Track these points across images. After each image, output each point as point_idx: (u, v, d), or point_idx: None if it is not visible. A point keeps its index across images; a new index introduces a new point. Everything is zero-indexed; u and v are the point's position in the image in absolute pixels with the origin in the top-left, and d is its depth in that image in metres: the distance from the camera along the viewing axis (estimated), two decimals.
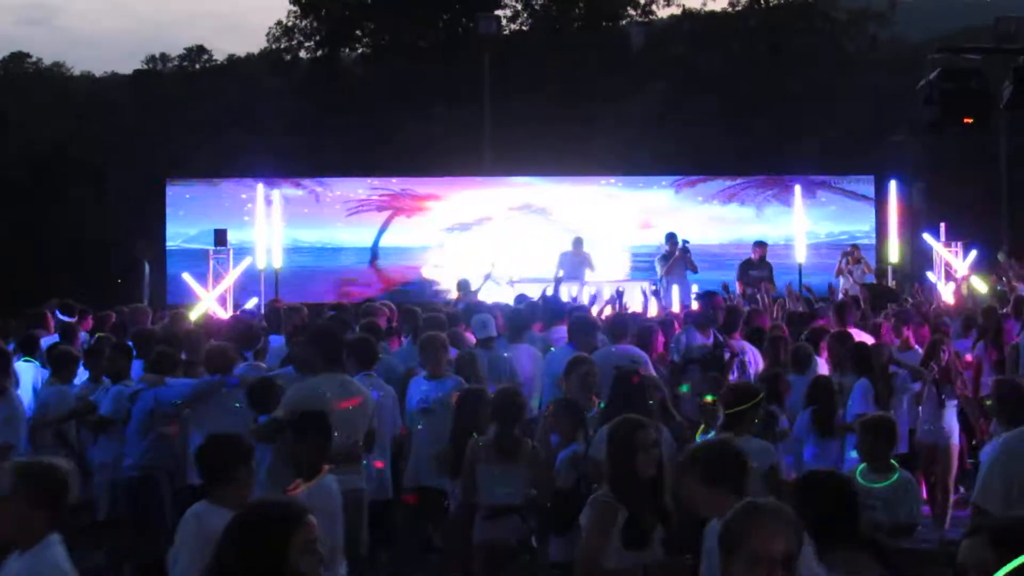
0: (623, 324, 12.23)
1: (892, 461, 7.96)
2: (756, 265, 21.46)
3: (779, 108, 37.83)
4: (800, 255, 22.36)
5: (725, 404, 8.43)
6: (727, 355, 11.94)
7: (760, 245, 21.96)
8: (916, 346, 12.78)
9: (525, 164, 27.78)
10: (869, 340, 12.35)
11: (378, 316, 13.31)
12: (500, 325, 12.55)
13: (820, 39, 41.67)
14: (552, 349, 12.43)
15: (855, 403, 10.77)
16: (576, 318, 12.31)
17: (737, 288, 19.78)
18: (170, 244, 25.65)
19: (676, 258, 21.18)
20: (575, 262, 21.67)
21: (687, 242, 21.59)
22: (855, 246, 22.74)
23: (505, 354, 11.70)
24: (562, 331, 12.61)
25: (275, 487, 7.61)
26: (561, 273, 20.71)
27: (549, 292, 15.98)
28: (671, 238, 21.76)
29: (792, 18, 42.23)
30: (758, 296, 17.31)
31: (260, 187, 23.20)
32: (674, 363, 12.26)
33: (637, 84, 39.11)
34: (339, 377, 8.62)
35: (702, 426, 9.28)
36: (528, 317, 13.16)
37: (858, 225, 26.59)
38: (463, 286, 18.56)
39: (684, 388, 11.87)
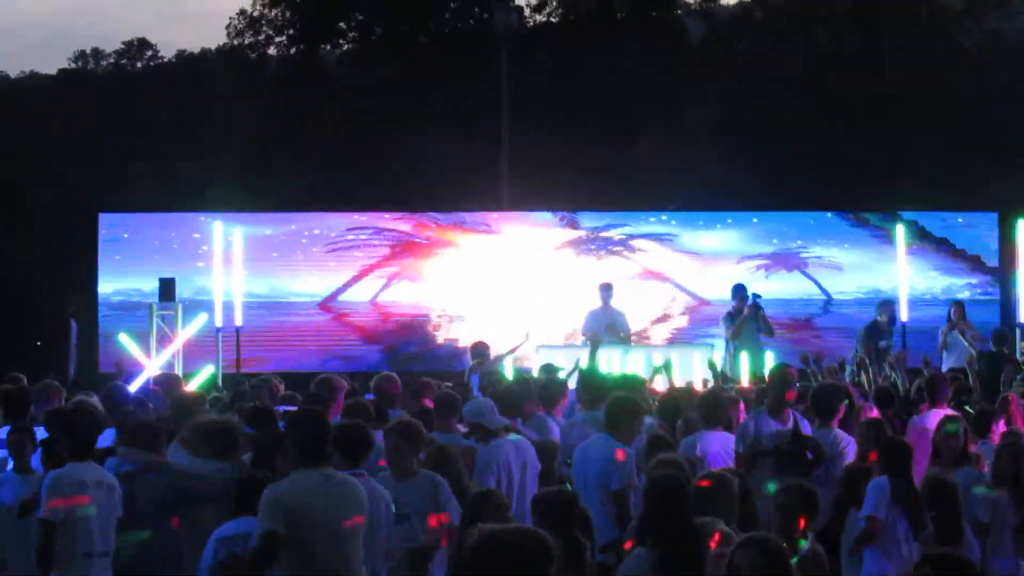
0: (718, 404, 12.42)
1: None
2: (887, 332, 21.41)
3: (875, 123, 37.78)
4: (903, 312, 22.38)
5: None
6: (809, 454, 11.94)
7: (888, 305, 21.97)
8: None
9: (553, 195, 27.75)
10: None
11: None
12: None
13: (927, 34, 41.64)
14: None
15: (866, 503, 10.64)
16: (618, 398, 12.31)
17: (857, 359, 19.79)
18: (103, 295, 25.54)
19: (745, 317, 21.18)
20: (603, 321, 21.62)
21: (759, 297, 21.60)
22: (957, 304, 22.64)
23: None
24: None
25: None
26: (587, 337, 20.79)
27: (584, 363, 16.04)
28: (739, 291, 21.77)
29: (892, 6, 42.23)
30: (893, 375, 17.33)
31: (218, 225, 23.30)
32: (739, 455, 12.26)
33: (695, 91, 39.18)
34: (326, 473, 8.62)
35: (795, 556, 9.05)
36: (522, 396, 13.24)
37: (976, 275, 26.60)
38: (479, 352, 18.54)
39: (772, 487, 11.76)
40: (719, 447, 12.12)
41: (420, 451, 10.42)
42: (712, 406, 12.60)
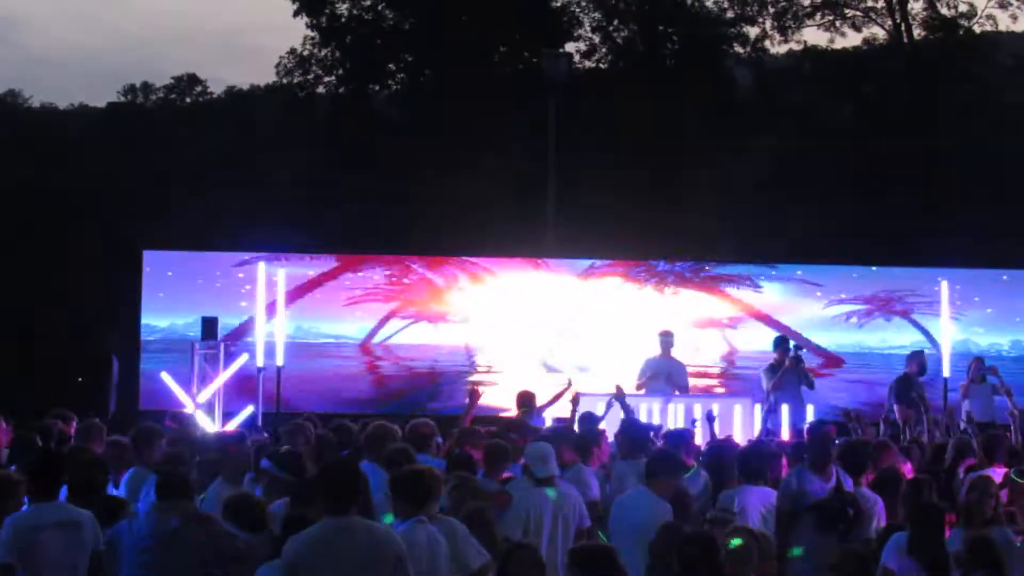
0: (759, 458, 12.46)
1: None
2: (918, 384, 21.22)
3: (924, 176, 37.68)
4: (946, 369, 22.30)
5: None
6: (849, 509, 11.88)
7: (918, 356, 21.85)
8: None
9: (599, 243, 27.70)
10: None
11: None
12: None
13: (978, 88, 41.60)
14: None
15: (883, 556, 10.62)
16: (660, 452, 12.28)
17: (897, 413, 19.81)
18: (146, 334, 25.63)
19: (786, 369, 21.07)
20: (661, 371, 21.52)
21: (800, 348, 21.52)
22: (978, 359, 22.50)
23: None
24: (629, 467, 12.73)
25: None
26: (641, 386, 20.77)
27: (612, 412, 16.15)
28: (780, 344, 21.69)
29: (943, 62, 42.23)
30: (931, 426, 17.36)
31: (261, 266, 23.38)
32: (781, 513, 12.17)
33: (743, 142, 39.15)
34: (350, 522, 8.72)
35: None
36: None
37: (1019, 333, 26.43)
38: (525, 402, 18.52)
39: (796, 552, 11.72)
40: (757, 501, 12.06)
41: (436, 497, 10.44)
42: (752, 460, 12.56)
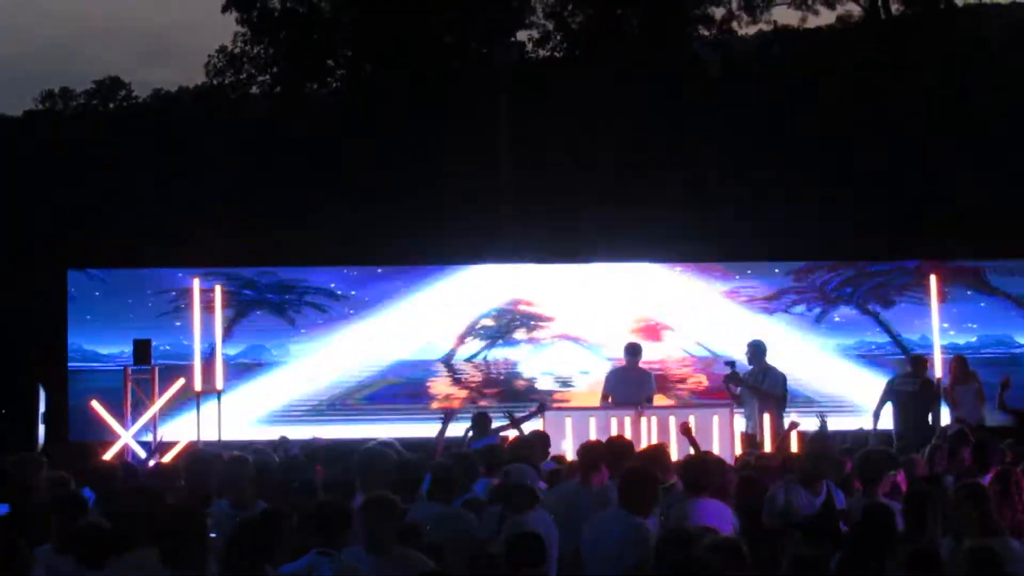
0: (702, 468, 12.37)
1: None
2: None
3: (908, 163, 37.58)
4: (938, 368, 22.33)
5: None
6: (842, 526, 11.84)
7: (920, 360, 22.03)
8: None
9: (560, 245, 27.67)
10: None
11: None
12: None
13: (963, 67, 41.42)
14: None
15: None
16: (631, 470, 12.20)
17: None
18: (73, 361, 25.55)
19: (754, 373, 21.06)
20: (629, 382, 21.42)
21: (734, 361, 21.48)
22: (960, 359, 22.57)
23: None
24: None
25: None
26: (606, 396, 20.76)
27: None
28: (755, 349, 21.57)
29: (928, 36, 42.01)
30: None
31: (196, 282, 23.26)
32: (764, 529, 12.12)
33: (712, 129, 39.06)
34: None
35: None
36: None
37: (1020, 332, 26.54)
38: (478, 423, 18.47)
39: None
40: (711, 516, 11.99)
41: (397, 526, 10.41)
42: (698, 471, 12.48)
